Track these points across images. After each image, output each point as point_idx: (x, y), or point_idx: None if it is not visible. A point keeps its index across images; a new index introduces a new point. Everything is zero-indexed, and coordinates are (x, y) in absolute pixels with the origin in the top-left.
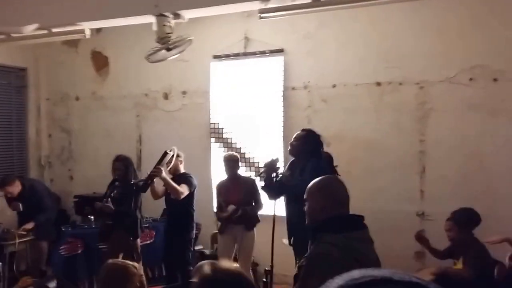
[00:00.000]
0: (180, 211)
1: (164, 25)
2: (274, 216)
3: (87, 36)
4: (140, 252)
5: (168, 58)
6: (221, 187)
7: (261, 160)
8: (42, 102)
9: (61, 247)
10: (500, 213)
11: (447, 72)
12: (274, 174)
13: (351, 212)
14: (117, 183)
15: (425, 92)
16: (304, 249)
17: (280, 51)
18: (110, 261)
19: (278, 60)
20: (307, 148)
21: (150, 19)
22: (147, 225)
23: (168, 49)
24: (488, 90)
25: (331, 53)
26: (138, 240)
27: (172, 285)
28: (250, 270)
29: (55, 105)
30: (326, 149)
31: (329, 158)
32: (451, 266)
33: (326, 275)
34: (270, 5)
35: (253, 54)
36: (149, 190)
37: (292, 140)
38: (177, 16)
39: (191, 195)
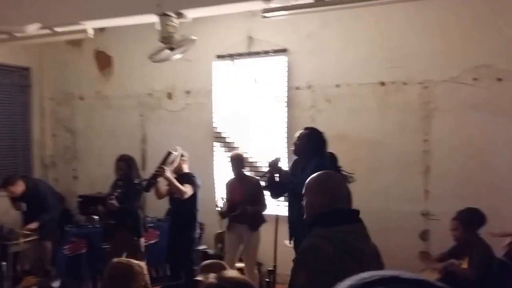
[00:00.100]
0: (183, 210)
1: (167, 24)
2: (277, 217)
3: (90, 36)
4: (144, 252)
5: (172, 58)
6: (228, 185)
7: (263, 160)
8: (46, 102)
9: (65, 247)
10: (504, 213)
11: (451, 71)
12: (276, 173)
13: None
14: (120, 182)
15: (429, 91)
16: None
17: (283, 51)
18: (115, 259)
19: (282, 60)
20: (310, 147)
21: (153, 18)
22: (152, 224)
23: (172, 49)
24: (492, 90)
25: (334, 53)
26: (142, 239)
27: (173, 283)
28: (256, 270)
29: (59, 105)
30: (329, 148)
31: (333, 158)
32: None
33: (316, 268)
34: (273, 4)
35: (257, 54)
36: (153, 189)
37: (295, 139)
38: (180, 15)
39: (194, 195)
